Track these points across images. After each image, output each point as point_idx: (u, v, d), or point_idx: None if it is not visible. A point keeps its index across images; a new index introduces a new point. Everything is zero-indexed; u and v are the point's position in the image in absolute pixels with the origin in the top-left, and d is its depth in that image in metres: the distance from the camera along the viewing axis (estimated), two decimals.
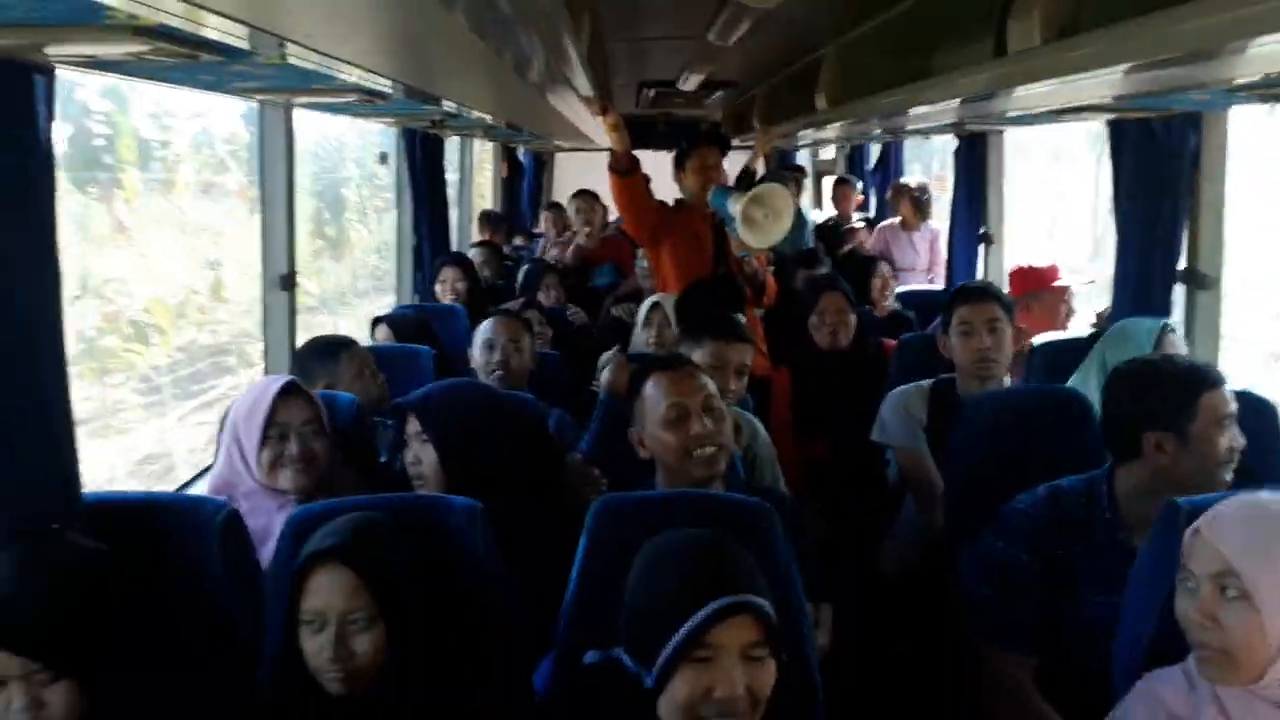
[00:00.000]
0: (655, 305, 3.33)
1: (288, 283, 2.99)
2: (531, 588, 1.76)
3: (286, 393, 1.97)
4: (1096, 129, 3.05)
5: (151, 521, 1.66)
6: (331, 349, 2.62)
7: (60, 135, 1.56)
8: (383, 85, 2.57)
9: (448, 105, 3.50)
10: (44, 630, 1.34)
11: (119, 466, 3.47)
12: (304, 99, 2.87)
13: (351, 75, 2.29)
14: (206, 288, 4.35)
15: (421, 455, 1.96)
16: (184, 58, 1.57)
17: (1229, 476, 1.81)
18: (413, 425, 1.98)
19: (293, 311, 2.98)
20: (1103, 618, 1.76)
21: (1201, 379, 1.83)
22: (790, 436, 3.17)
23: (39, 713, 1.33)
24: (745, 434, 2.49)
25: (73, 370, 1.56)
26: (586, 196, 5.48)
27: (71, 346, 1.57)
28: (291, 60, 1.86)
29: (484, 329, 2.84)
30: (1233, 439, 1.82)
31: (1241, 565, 1.34)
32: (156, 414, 3.84)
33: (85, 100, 3.39)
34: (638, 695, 1.31)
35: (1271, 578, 1.34)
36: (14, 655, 1.32)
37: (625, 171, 3.50)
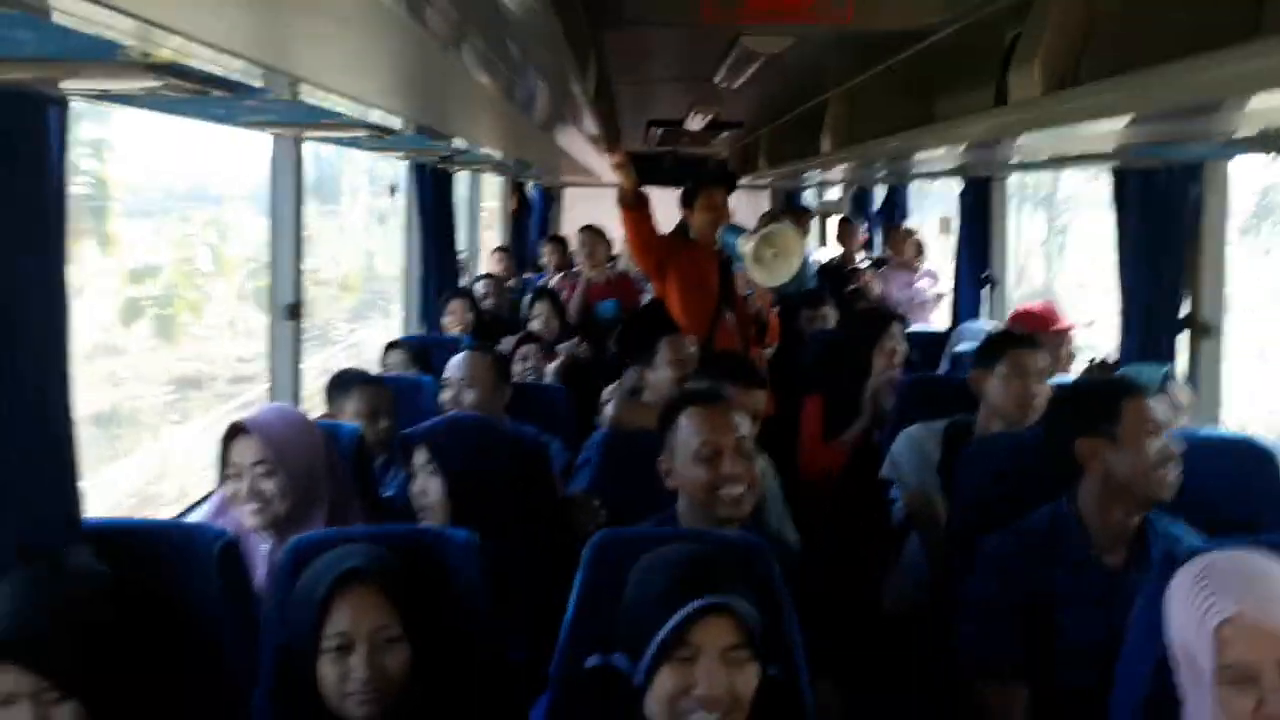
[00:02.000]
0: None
1: (293, 312, 3.02)
2: (528, 625, 1.76)
3: (234, 434, 1.96)
4: None
5: (151, 547, 1.66)
6: (345, 383, 2.73)
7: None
8: (392, 122, 2.61)
9: (457, 142, 3.55)
10: (55, 649, 1.35)
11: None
12: (314, 133, 2.91)
13: (361, 112, 2.33)
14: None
15: (428, 487, 1.97)
16: (196, 93, 1.60)
17: (1174, 478, 1.86)
18: (420, 456, 1.99)
19: (297, 340, 3.01)
20: (1088, 638, 1.80)
21: (1124, 387, 1.94)
22: (821, 447, 3.27)
23: None
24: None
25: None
26: (590, 231, 5.52)
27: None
28: (303, 97, 1.89)
29: (447, 367, 2.84)
30: (1166, 446, 1.87)
31: None
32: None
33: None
34: (628, 694, 1.38)
35: None
36: (26, 672, 1.33)
37: (633, 206, 3.56)
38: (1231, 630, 1.31)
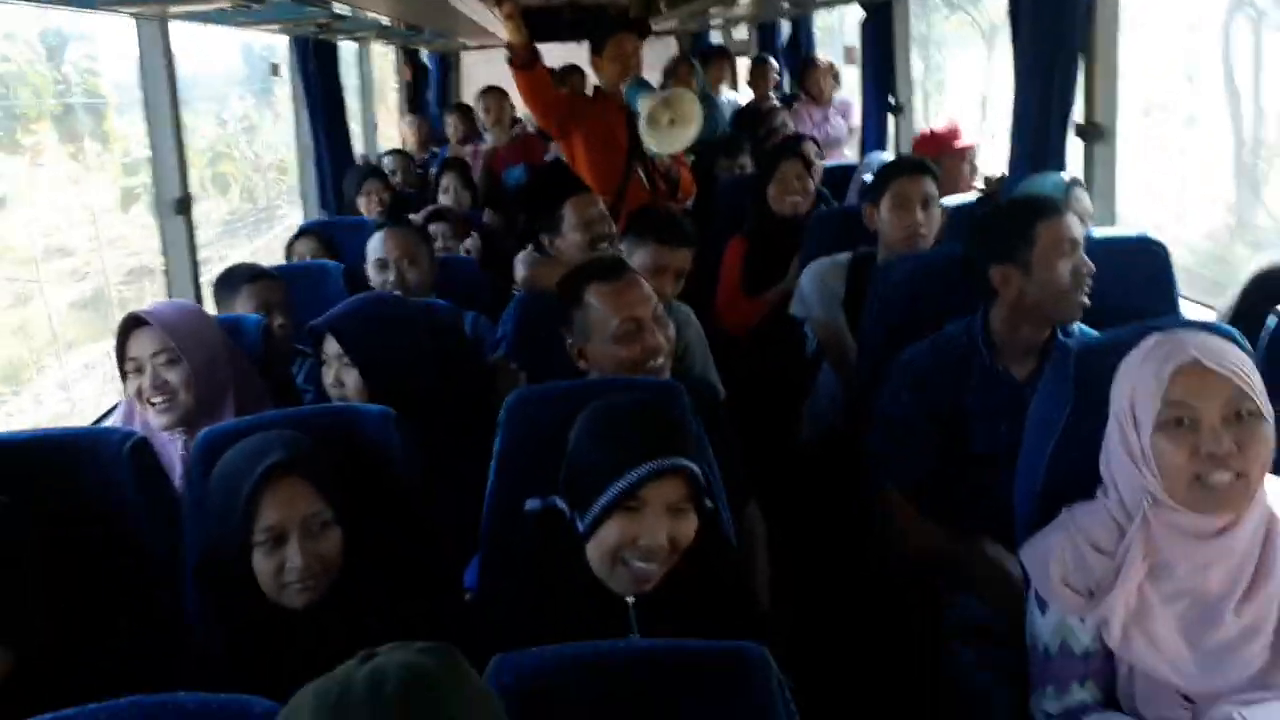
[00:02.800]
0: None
1: (183, 206, 2.89)
2: (459, 491, 1.77)
3: (132, 325, 1.90)
4: None
5: (58, 457, 1.62)
6: (231, 281, 2.55)
7: None
8: None
9: (337, 7, 3.36)
10: None
11: None
12: (179, 9, 2.73)
13: None
14: None
15: (344, 377, 1.93)
16: None
17: (1084, 299, 1.91)
18: (332, 346, 1.94)
19: (191, 236, 2.90)
20: (996, 446, 1.88)
21: (1036, 209, 1.94)
22: (741, 300, 3.27)
23: None
24: (677, 322, 2.50)
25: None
26: (494, 94, 5.31)
27: None
28: None
29: (373, 247, 2.73)
30: (1078, 264, 1.90)
31: (1250, 383, 1.36)
32: None
33: None
34: (568, 536, 1.42)
35: (1263, 388, 1.38)
36: None
37: (525, 65, 3.39)
38: (1185, 375, 1.37)
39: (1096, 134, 2.68)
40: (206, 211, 4.99)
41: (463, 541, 1.75)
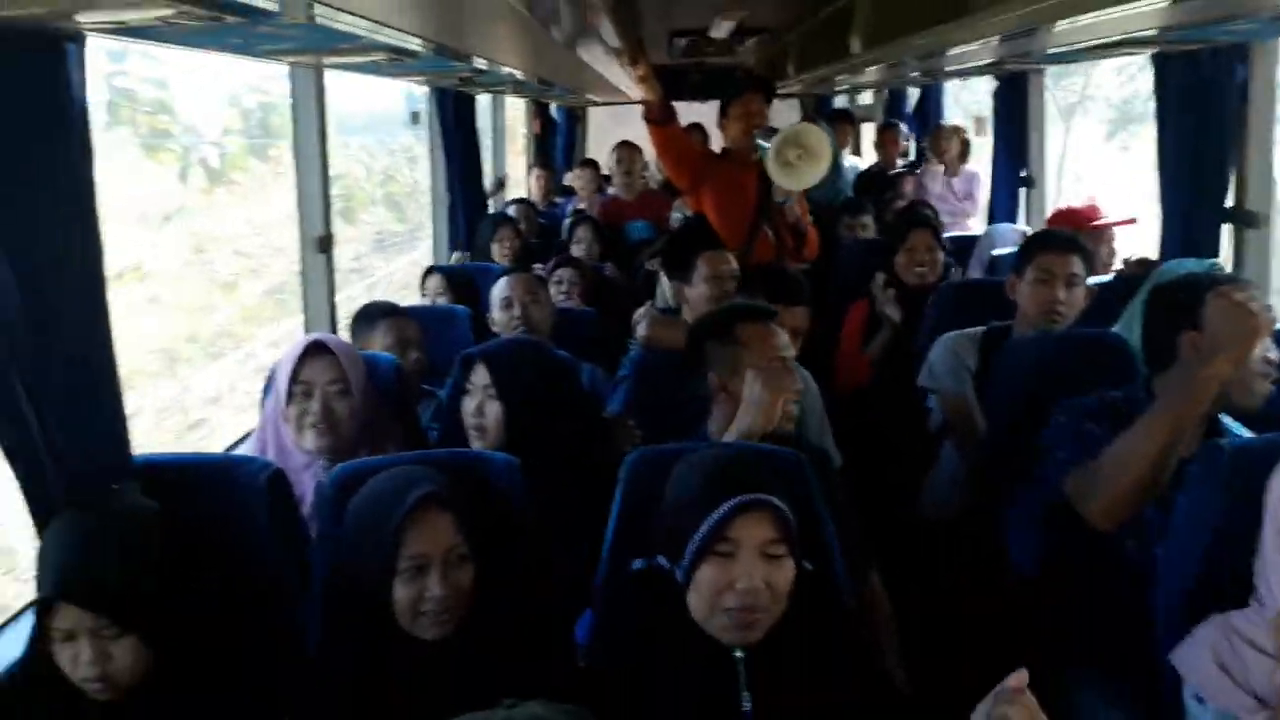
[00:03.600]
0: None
1: (325, 245, 3.01)
2: (572, 543, 1.78)
3: (312, 351, 1.97)
4: None
5: (199, 481, 1.70)
6: (370, 316, 2.65)
7: None
8: (411, 43, 2.56)
9: (477, 62, 3.49)
10: (111, 587, 1.39)
11: None
12: (333, 60, 2.87)
13: (379, 34, 2.29)
14: None
15: (486, 408, 1.97)
16: (210, 20, 1.57)
17: (1268, 388, 1.81)
18: (481, 376, 1.99)
19: (330, 273, 3.02)
20: (1153, 520, 1.76)
21: (1223, 283, 1.83)
22: (858, 359, 3.26)
23: (106, 665, 1.39)
24: None
25: None
26: (626, 147, 5.40)
27: None
28: (319, 20, 1.86)
29: (500, 288, 2.83)
30: (1265, 348, 1.81)
31: None
32: None
33: None
34: (672, 592, 1.43)
35: None
36: (84, 611, 1.37)
37: (661, 121, 3.46)
38: None
39: (1249, 219, 2.58)
40: (379, 221, 6.15)
41: (574, 596, 1.75)
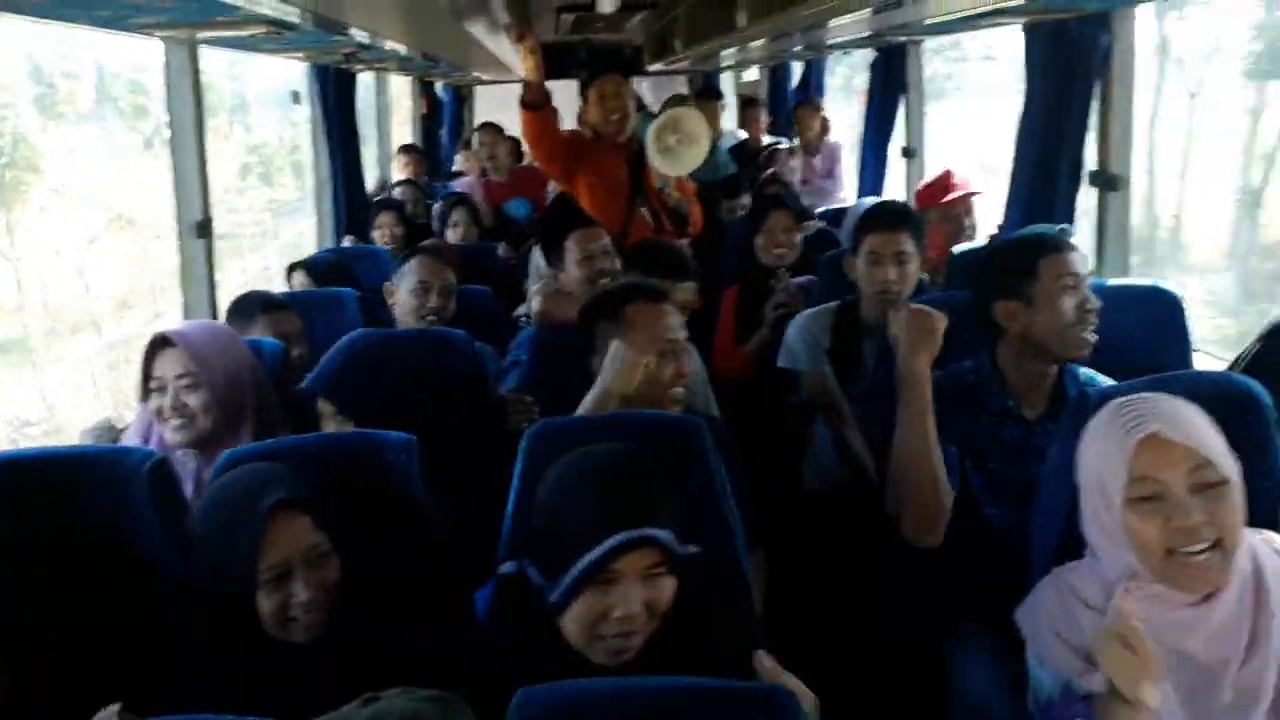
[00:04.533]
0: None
1: (204, 230, 2.91)
2: (471, 520, 1.77)
3: (159, 345, 1.92)
4: None
5: (78, 474, 1.63)
6: (246, 310, 2.53)
7: None
8: (290, 15, 2.48)
9: (359, 36, 3.40)
10: None
11: None
12: (208, 34, 2.77)
13: (257, 5, 2.22)
14: None
15: (344, 430, 1.91)
16: None
17: (1090, 336, 1.91)
18: (325, 407, 1.94)
19: (210, 258, 2.91)
20: (1009, 485, 1.88)
21: (1039, 245, 1.95)
22: (732, 349, 3.26)
23: None
24: None
25: None
26: (489, 129, 5.35)
27: None
28: None
29: (413, 271, 2.73)
30: (1082, 299, 1.91)
31: (1210, 450, 1.36)
32: None
33: None
34: (543, 606, 1.37)
35: (1226, 450, 1.38)
36: None
37: (534, 105, 3.37)
38: (1146, 449, 1.37)
39: (1113, 182, 2.70)
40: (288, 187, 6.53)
41: (476, 571, 1.74)
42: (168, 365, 1.90)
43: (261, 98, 6.14)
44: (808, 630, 2.38)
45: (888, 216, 2.61)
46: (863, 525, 2.28)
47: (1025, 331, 1.92)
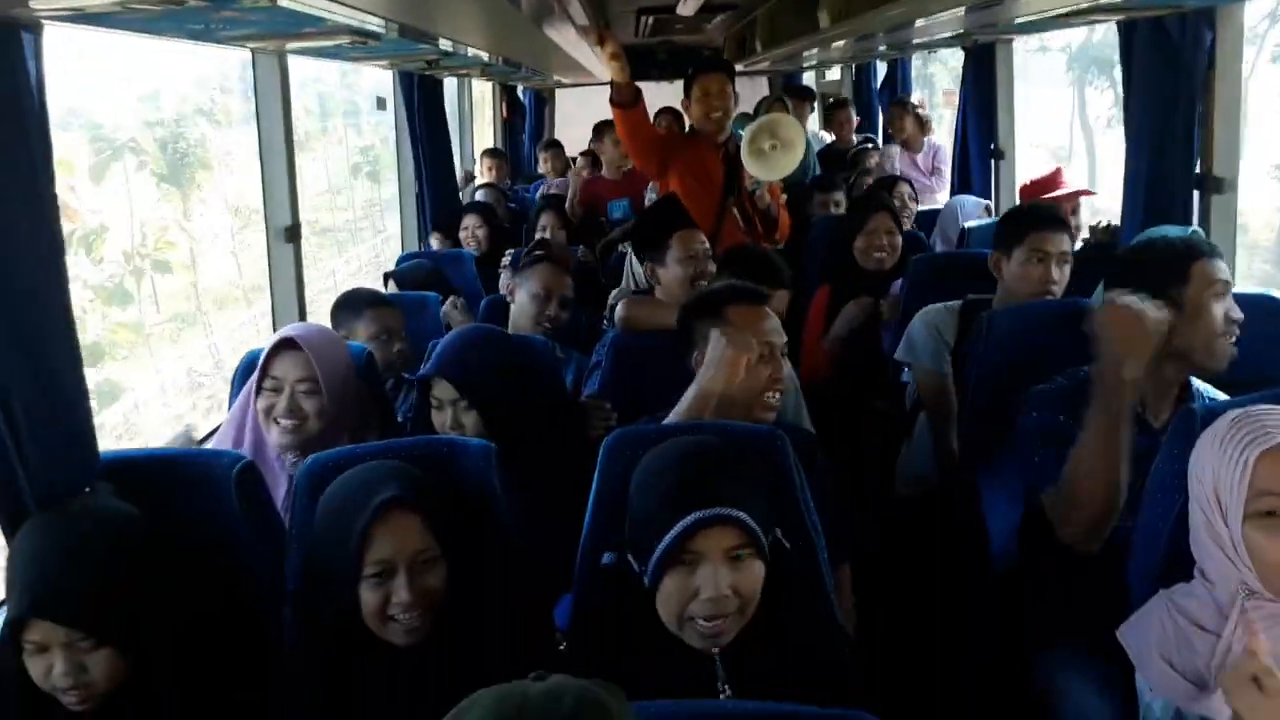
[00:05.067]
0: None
1: (292, 234, 2.98)
2: (551, 527, 1.77)
3: (284, 346, 1.95)
4: None
5: (169, 477, 1.67)
6: (354, 305, 2.62)
7: None
8: (375, 25, 2.52)
9: (443, 44, 3.45)
10: (83, 599, 1.36)
11: None
12: (296, 44, 2.82)
13: (343, 16, 2.25)
14: None
15: (464, 419, 1.93)
16: (170, 3, 1.54)
17: (1233, 346, 1.84)
18: (446, 391, 1.94)
19: (299, 263, 2.98)
20: (1131, 490, 1.76)
21: (1192, 249, 1.86)
22: (822, 347, 3.21)
23: (80, 677, 1.36)
24: None
25: None
26: (604, 129, 5.31)
27: None
28: (282, 2, 1.82)
29: (535, 277, 2.73)
30: (1229, 309, 1.84)
31: None
32: None
33: None
34: (641, 592, 1.41)
35: None
36: (56, 624, 1.34)
37: (627, 104, 3.41)
38: (1269, 462, 1.31)
39: (1216, 186, 2.59)
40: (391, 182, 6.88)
41: (555, 580, 1.74)
42: (289, 367, 1.93)
43: (372, 103, 6.52)
44: (898, 641, 2.33)
45: (1053, 217, 2.59)
46: (958, 532, 2.22)
47: (1170, 335, 1.81)
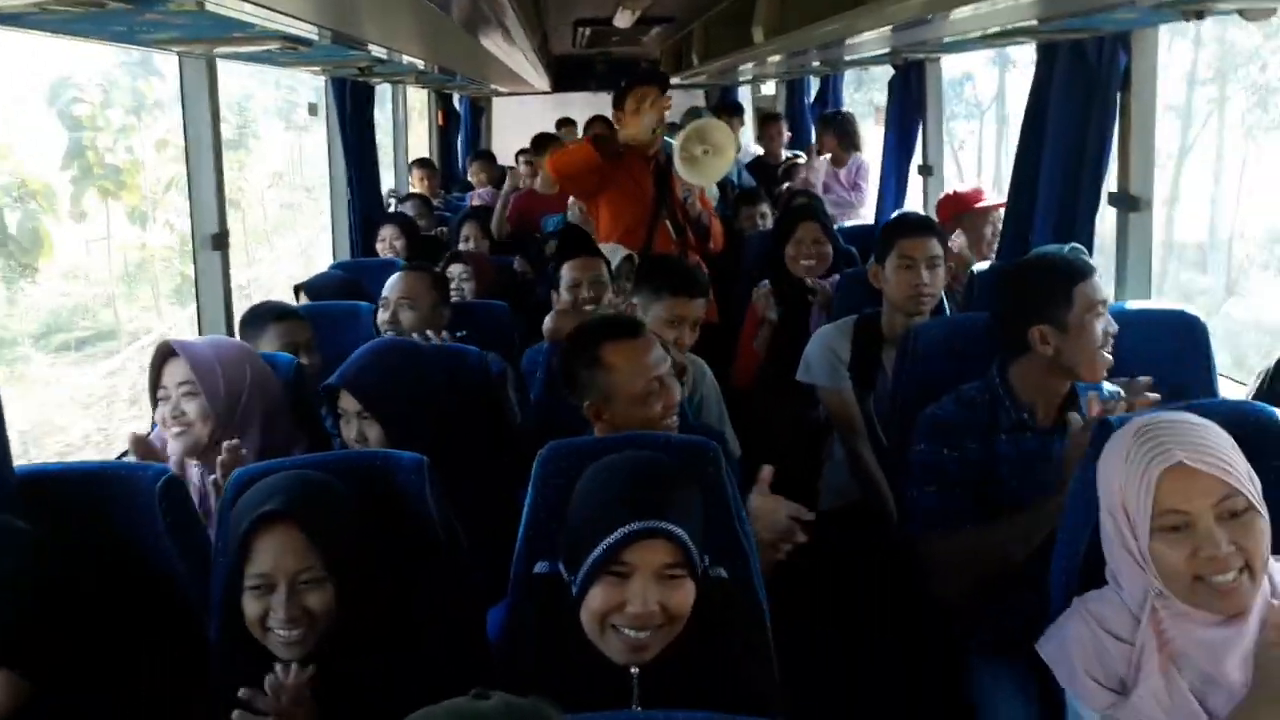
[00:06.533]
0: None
1: (220, 242, 2.91)
2: (483, 538, 1.75)
3: (165, 355, 1.98)
4: None
5: (92, 491, 1.62)
6: (258, 319, 2.53)
7: None
8: (307, 31, 2.49)
9: (376, 50, 3.41)
10: None
11: None
12: (224, 49, 2.77)
13: (273, 22, 2.22)
14: None
15: (367, 432, 1.93)
16: (92, 6, 1.50)
17: (1109, 358, 1.94)
18: (350, 402, 1.94)
19: (226, 271, 2.92)
20: (1028, 494, 1.88)
21: (1075, 272, 1.96)
22: (756, 362, 3.25)
23: None
24: (693, 375, 2.50)
25: None
26: (544, 141, 5.34)
27: None
28: (209, 6, 1.79)
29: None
30: (1107, 324, 1.94)
31: (1236, 477, 1.34)
32: None
33: None
34: (571, 602, 1.40)
35: (1250, 475, 1.37)
36: None
37: (608, 156, 3.42)
38: (1172, 479, 1.35)
39: (1133, 203, 2.68)
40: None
41: (489, 591, 1.73)
42: (171, 374, 1.97)
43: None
44: (821, 652, 2.36)
45: (917, 222, 2.69)
46: (879, 545, 2.26)
47: (1055, 354, 1.93)
